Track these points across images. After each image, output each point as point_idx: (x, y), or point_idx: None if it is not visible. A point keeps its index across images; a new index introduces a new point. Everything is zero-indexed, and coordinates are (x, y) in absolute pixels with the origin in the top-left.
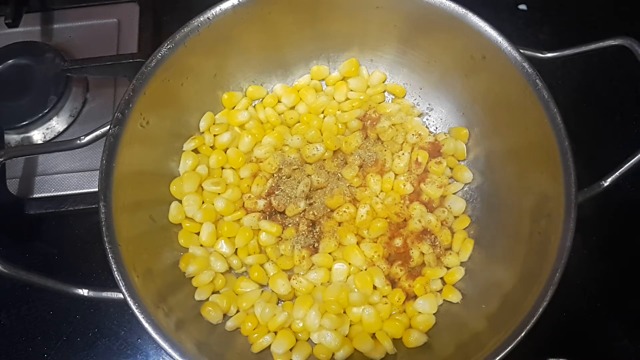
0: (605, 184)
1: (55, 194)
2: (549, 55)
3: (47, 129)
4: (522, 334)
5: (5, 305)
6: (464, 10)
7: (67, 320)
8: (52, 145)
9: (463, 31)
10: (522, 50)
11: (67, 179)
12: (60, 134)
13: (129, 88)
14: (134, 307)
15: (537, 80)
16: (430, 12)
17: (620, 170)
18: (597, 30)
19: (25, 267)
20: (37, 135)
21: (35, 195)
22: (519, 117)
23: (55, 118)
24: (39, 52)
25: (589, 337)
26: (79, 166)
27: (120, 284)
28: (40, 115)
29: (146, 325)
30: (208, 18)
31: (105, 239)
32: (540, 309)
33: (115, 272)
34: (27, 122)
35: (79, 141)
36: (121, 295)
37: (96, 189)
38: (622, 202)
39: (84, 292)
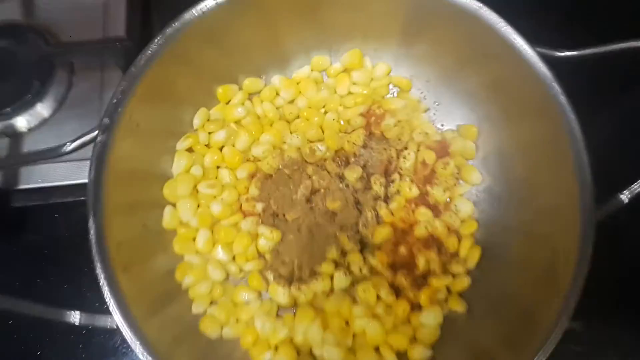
0: (626, 201)
1: (42, 185)
2: (566, 54)
3: (31, 115)
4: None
5: None
6: (477, 3)
7: None
8: (34, 155)
9: (474, 24)
10: (536, 48)
11: (54, 169)
12: (46, 120)
13: (118, 90)
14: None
15: (553, 83)
16: (439, 2)
17: None
18: (618, 29)
19: (12, 261)
20: (21, 122)
21: (21, 187)
22: (532, 116)
23: (39, 104)
24: (21, 34)
25: (589, 337)
26: (67, 155)
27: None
28: (23, 101)
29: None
30: (201, 8)
31: (95, 257)
32: (561, 326)
33: (109, 299)
34: (8, 108)
35: (64, 149)
36: (114, 326)
37: (86, 180)
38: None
39: (75, 319)
